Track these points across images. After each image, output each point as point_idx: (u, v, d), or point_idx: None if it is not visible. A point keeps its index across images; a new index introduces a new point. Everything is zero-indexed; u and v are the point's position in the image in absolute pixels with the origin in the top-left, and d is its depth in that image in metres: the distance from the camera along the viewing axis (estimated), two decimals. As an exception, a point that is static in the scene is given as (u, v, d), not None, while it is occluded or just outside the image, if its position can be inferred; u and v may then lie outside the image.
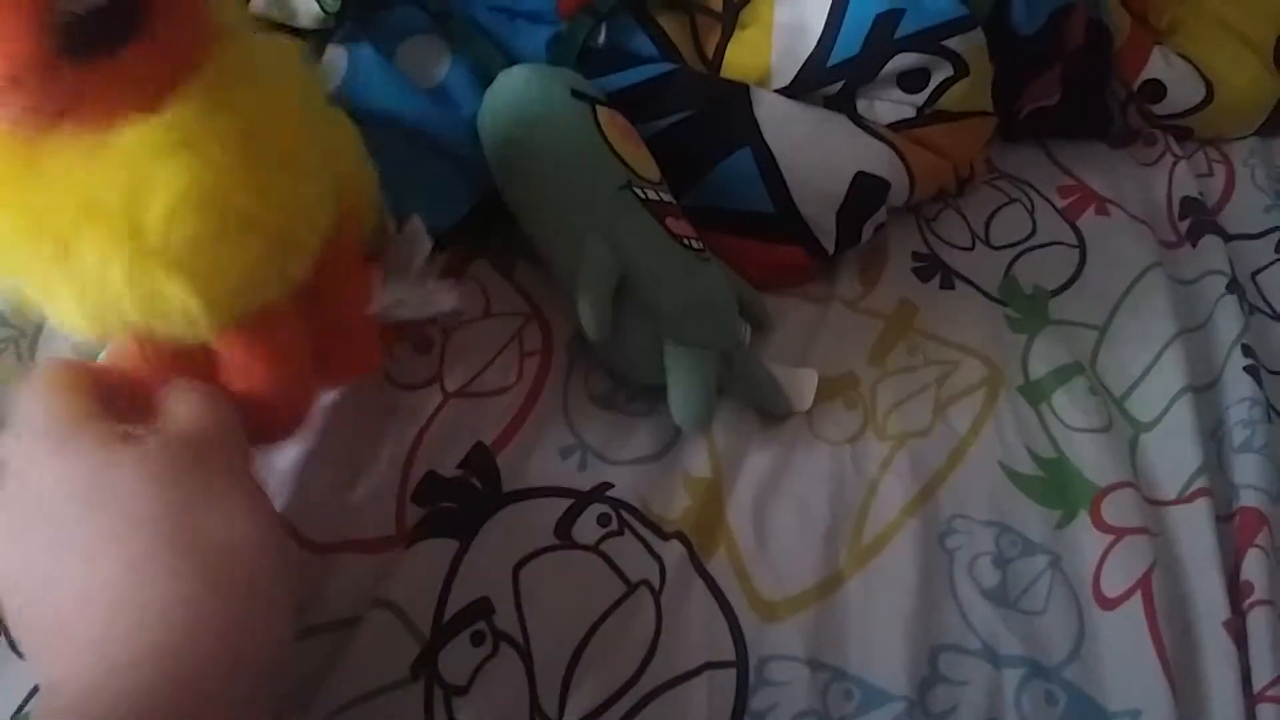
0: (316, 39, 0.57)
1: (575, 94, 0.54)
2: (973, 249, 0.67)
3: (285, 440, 0.44)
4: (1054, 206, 0.71)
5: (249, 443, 0.39)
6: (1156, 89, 0.75)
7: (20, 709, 0.41)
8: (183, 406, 0.37)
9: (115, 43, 0.30)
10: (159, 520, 0.33)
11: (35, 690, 0.42)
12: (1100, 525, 0.53)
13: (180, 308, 0.34)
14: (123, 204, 0.31)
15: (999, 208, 0.70)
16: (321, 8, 0.54)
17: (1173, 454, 0.57)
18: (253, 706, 0.34)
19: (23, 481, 0.35)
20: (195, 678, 0.32)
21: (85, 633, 0.32)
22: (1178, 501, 0.56)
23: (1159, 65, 0.75)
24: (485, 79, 0.55)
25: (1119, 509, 0.54)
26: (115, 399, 0.36)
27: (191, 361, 0.38)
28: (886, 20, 0.59)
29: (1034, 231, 0.69)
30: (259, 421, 0.40)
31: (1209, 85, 0.75)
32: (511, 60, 0.59)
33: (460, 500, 0.48)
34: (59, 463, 0.34)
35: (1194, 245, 0.70)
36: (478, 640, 0.45)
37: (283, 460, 0.48)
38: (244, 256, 0.34)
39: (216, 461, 0.36)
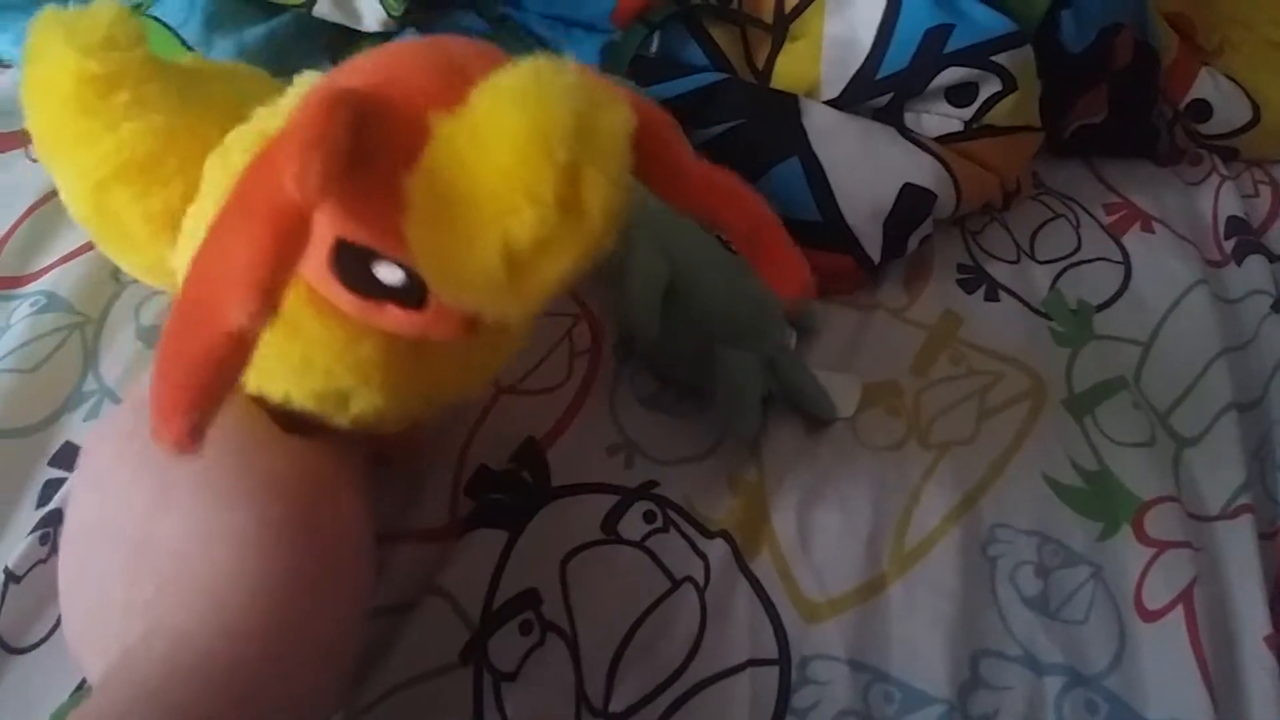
0: (379, 42, 0.58)
1: (628, 100, 0.55)
2: (1018, 262, 0.68)
3: None
4: (1099, 223, 0.71)
5: None
6: (1203, 109, 0.75)
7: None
8: None
9: (402, 304, 0.33)
10: (300, 498, 0.35)
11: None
12: (1143, 538, 0.54)
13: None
14: None
15: (1044, 222, 0.71)
16: (386, 12, 0.56)
17: (1216, 470, 0.57)
18: (326, 693, 0.35)
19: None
20: (289, 669, 0.33)
21: (204, 576, 0.32)
22: (1221, 517, 0.56)
23: (1206, 86, 0.75)
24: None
25: (1162, 523, 0.54)
26: None
27: None
28: (936, 35, 0.60)
29: (1079, 247, 0.69)
30: None
31: (1256, 107, 0.75)
32: (565, 66, 0.60)
33: (510, 493, 0.49)
34: None
35: (1239, 264, 0.70)
36: (526, 629, 0.46)
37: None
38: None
39: (355, 456, 0.38)
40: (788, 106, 0.60)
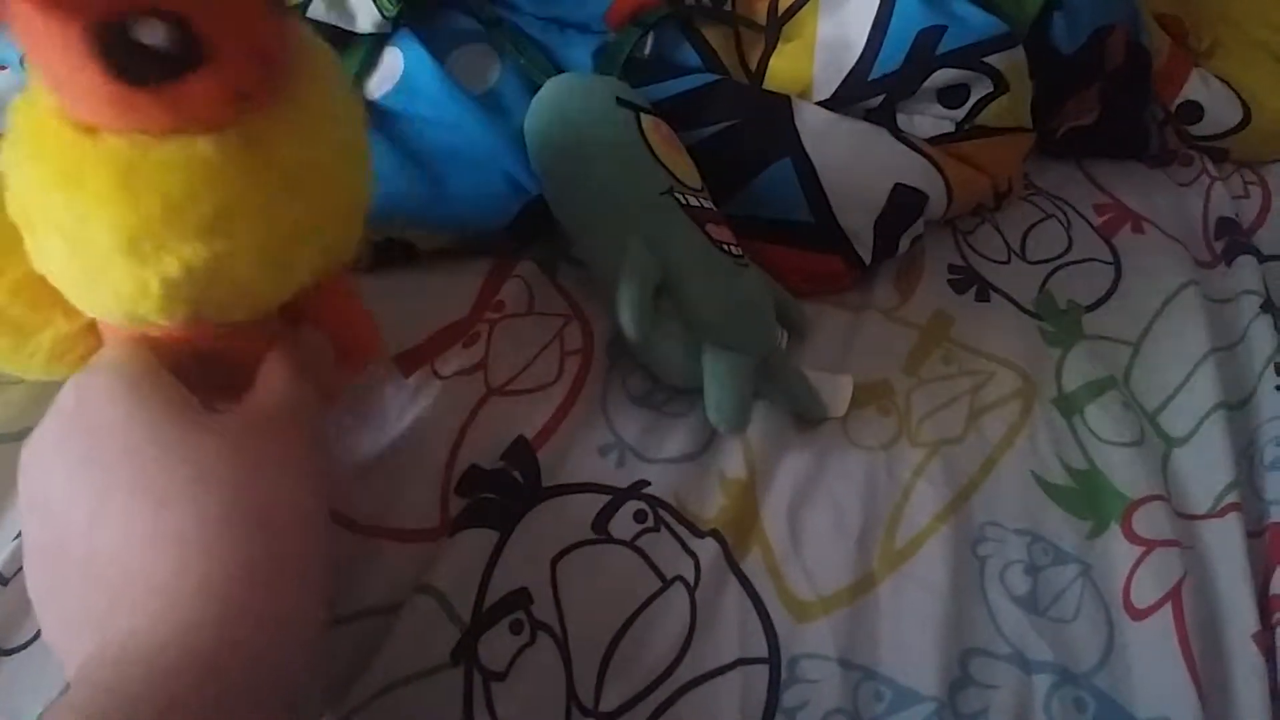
0: (373, 42, 0.58)
1: (620, 102, 0.55)
2: (1008, 263, 0.68)
3: None
4: (1090, 223, 0.72)
5: None
6: (1194, 110, 0.76)
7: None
8: (275, 378, 0.38)
9: (176, 73, 0.32)
10: (238, 485, 0.34)
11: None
12: (1131, 537, 0.54)
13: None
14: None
15: (1035, 223, 0.71)
16: (380, 13, 0.56)
17: (1204, 469, 0.58)
18: (297, 670, 0.34)
19: (93, 412, 0.35)
20: (250, 651, 0.32)
21: (151, 578, 0.33)
22: (1209, 516, 0.56)
23: (1197, 87, 0.75)
24: (534, 87, 0.57)
25: (1150, 521, 0.54)
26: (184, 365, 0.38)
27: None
28: (928, 36, 0.60)
29: (1070, 247, 0.70)
30: None
31: (1246, 108, 0.76)
32: (560, 69, 0.60)
33: (501, 492, 0.50)
34: (139, 405, 0.35)
35: (1229, 265, 0.71)
36: (516, 629, 0.46)
37: (339, 448, 0.50)
38: (240, 271, 0.36)
39: (295, 435, 0.37)
40: (780, 107, 0.61)
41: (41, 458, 0.36)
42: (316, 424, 0.40)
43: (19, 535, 0.45)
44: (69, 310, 0.39)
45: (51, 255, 0.36)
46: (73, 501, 0.34)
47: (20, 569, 0.44)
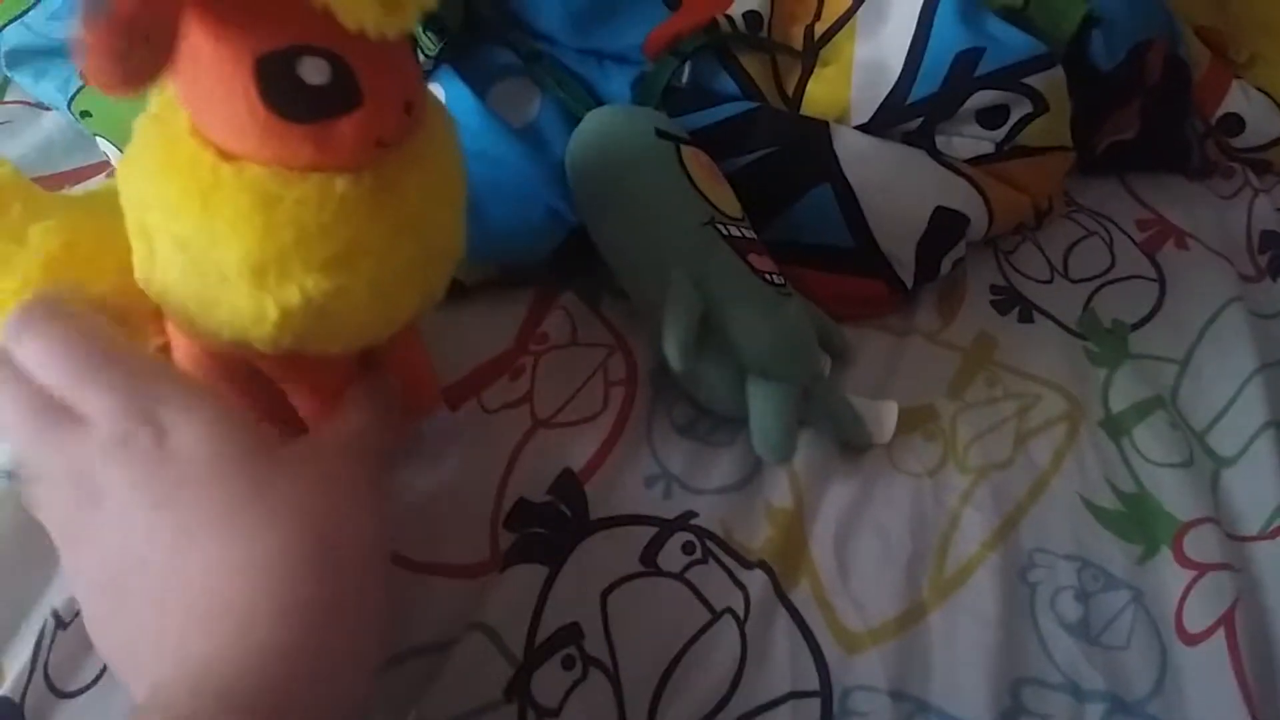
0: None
1: (660, 133, 0.55)
2: (1051, 282, 0.68)
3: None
4: (1132, 240, 0.71)
5: None
6: (1235, 123, 0.75)
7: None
8: (354, 416, 0.40)
9: (331, 113, 0.34)
10: (316, 519, 0.36)
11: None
12: (1182, 560, 0.53)
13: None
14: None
15: (1077, 241, 0.71)
16: (420, 49, 0.56)
17: (1255, 490, 0.57)
18: (357, 699, 0.36)
19: (180, 451, 0.36)
20: (315, 683, 0.34)
21: (231, 603, 0.34)
22: (1260, 537, 0.55)
23: (1237, 99, 0.75)
24: (574, 119, 0.57)
25: (1201, 544, 0.54)
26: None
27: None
28: (966, 58, 0.60)
29: (1113, 265, 0.69)
30: None
31: (1288, 119, 0.75)
32: (599, 101, 0.60)
33: (550, 526, 0.50)
34: (224, 443, 0.36)
35: (1274, 279, 0.70)
36: (568, 664, 0.46)
37: (389, 484, 0.50)
38: (353, 306, 0.38)
39: (364, 473, 0.39)
40: (819, 133, 0.61)
41: (122, 486, 0.36)
42: (383, 464, 0.42)
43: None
44: (144, 331, 0.41)
45: (169, 269, 0.37)
46: (155, 529, 0.35)
47: (79, 612, 0.45)
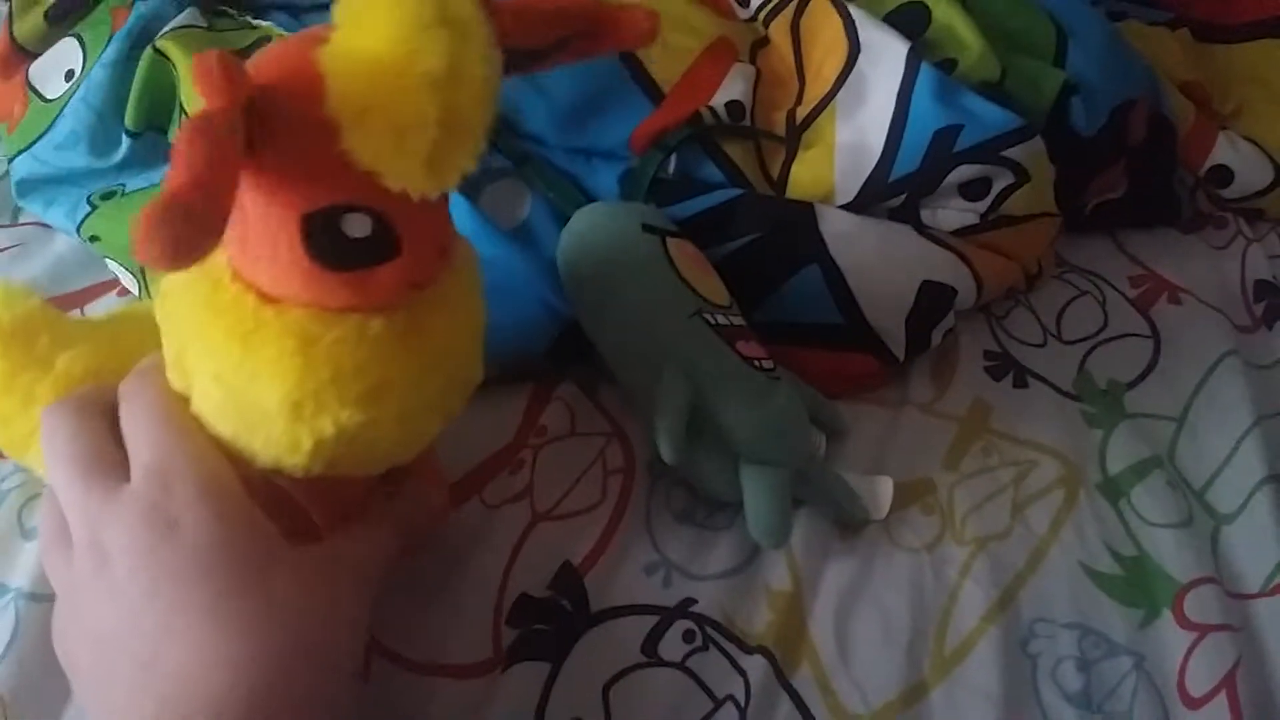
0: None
1: (646, 227, 0.57)
2: (1045, 345, 0.68)
3: None
4: (1125, 297, 0.72)
5: None
6: (1224, 174, 0.76)
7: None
8: (371, 529, 0.43)
9: (372, 263, 0.36)
10: (301, 624, 0.38)
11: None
12: (1183, 622, 0.54)
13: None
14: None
15: (1070, 301, 0.71)
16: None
17: (1255, 546, 0.58)
18: None
19: (191, 532, 0.37)
20: None
21: (207, 695, 0.36)
22: (1261, 595, 0.56)
23: (1225, 150, 0.75)
24: (564, 217, 0.59)
25: (1201, 605, 0.54)
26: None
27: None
28: (945, 135, 0.61)
29: (1106, 324, 0.70)
30: None
31: (1276, 167, 0.75)
32: (588, 196, 0.62)
33: (551, 622, 0.51)
34: (231, 535, 0.38)
35: (1269, 329, 0.70)
36: (573, 760, 0.47)
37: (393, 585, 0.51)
38: (382, 435, 0.40)
39: (361, 588, 0.41)
40: (805, 215, 0.62)
41: (131, 554, 0.38)
42: (381, 577, 0.43)
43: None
44: None
45: (205, 401, 0.40)
46: (147, 606, 0.37)
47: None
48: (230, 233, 0.36)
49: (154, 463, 0.39)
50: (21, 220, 0.71)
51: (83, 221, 0.65)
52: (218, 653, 0.36)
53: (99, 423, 0.41)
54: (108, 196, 0.66)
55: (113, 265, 0.64)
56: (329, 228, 0.35)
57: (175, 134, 0.33)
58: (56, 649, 0.42)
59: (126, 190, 0.66)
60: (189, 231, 0.29)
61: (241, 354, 0.37)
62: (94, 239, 0.64)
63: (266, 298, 0.37)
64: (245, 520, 0.39)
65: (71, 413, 0.41)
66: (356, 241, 0.35)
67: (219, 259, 0.38)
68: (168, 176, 0.30)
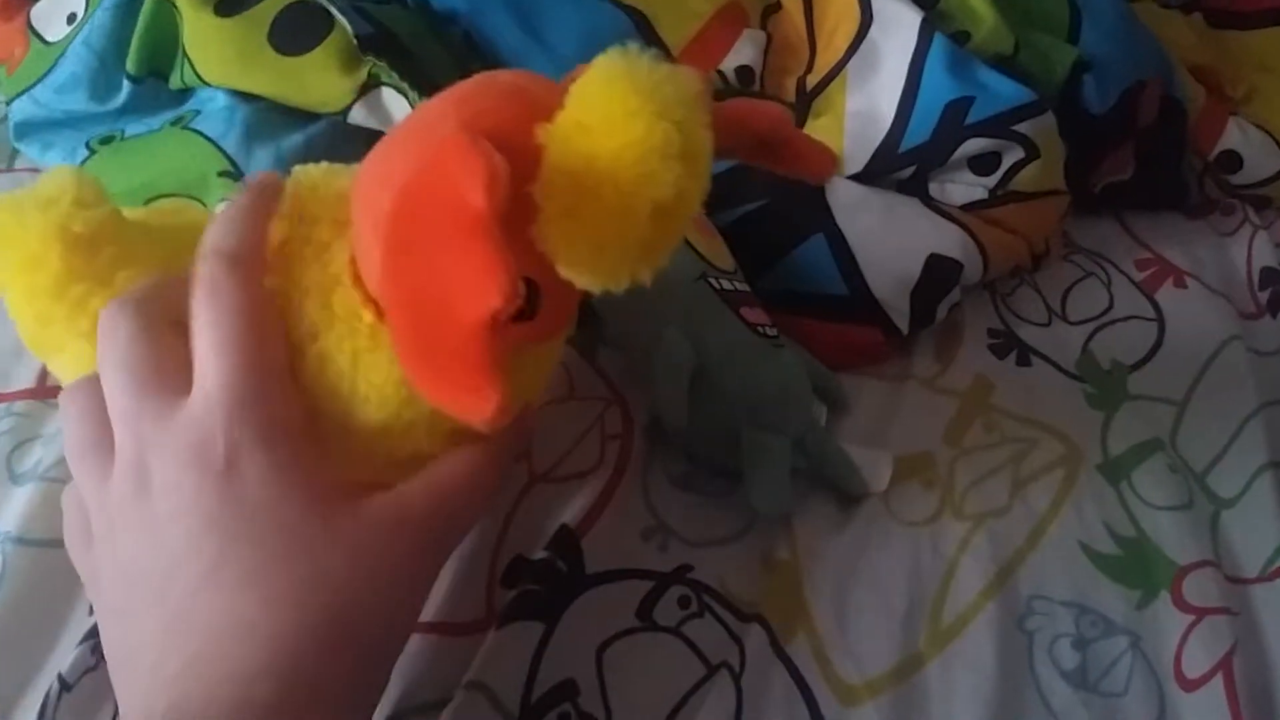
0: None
1: (653, 188, 0.56)
2: (1049, 325, 0.68)
3: None
4: (1131, 280, 0.71)
5: None
6: (1233, 160, 0.75)
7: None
8: (457, 469, 0.40)
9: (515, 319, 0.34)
10: (346, 598, 0.36)
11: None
12: (1181, 605, 0.53)
13: None
14: None
15: (1075, 282, 0.71)
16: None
17: (1255, 531, 0.57)
18: None
19: (245, 482, 0.35)
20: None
21: (230, 662, 0.34)
22: (1259, 580, 0.55)
23: (1235, 136, 0.75)
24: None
25: (1200, 588, 0.54)
26: None
27: None
28: (956, 107, 0.60)
29: (1111, 306, 0.69)
30: None
31: (1287, 155, 0.75)
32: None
33: (546, 583, 0.50)
34: (288, 491, 0.35)
35: (1274, 316, 0.70)
36: (564, 721, 0.47)
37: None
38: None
39: (423, 545, 0.39)
40: (812, 184, 0.61)
41: (177, 491, 0.36)
42: (454, 538, 0.42)
43: (85, 639, 0.47)
44: None
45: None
46: (189, 556, 0.35)
47: (84, 675, 0.46)
48: (356, 231, 0.35)
49: (219, 389, 0.35)
50: (17, 165, 0.70)
51: (80, 166, 0.64)
52: (255, 624, 0.34)
53: (164, 327, 0.37)
54: (106, 141, 0.65)
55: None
56: None
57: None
58: (75, 559, 0.39)
59: (125, 135, 0.65)
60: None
61: (349, 371, 0.37)
62: (92, 184, 0.63)
63: (380, 313, 0.36)
64: (306, 475, 0.36)
65: (135, 311, 0.37)
66: None
67: (341, 257, 0.37)
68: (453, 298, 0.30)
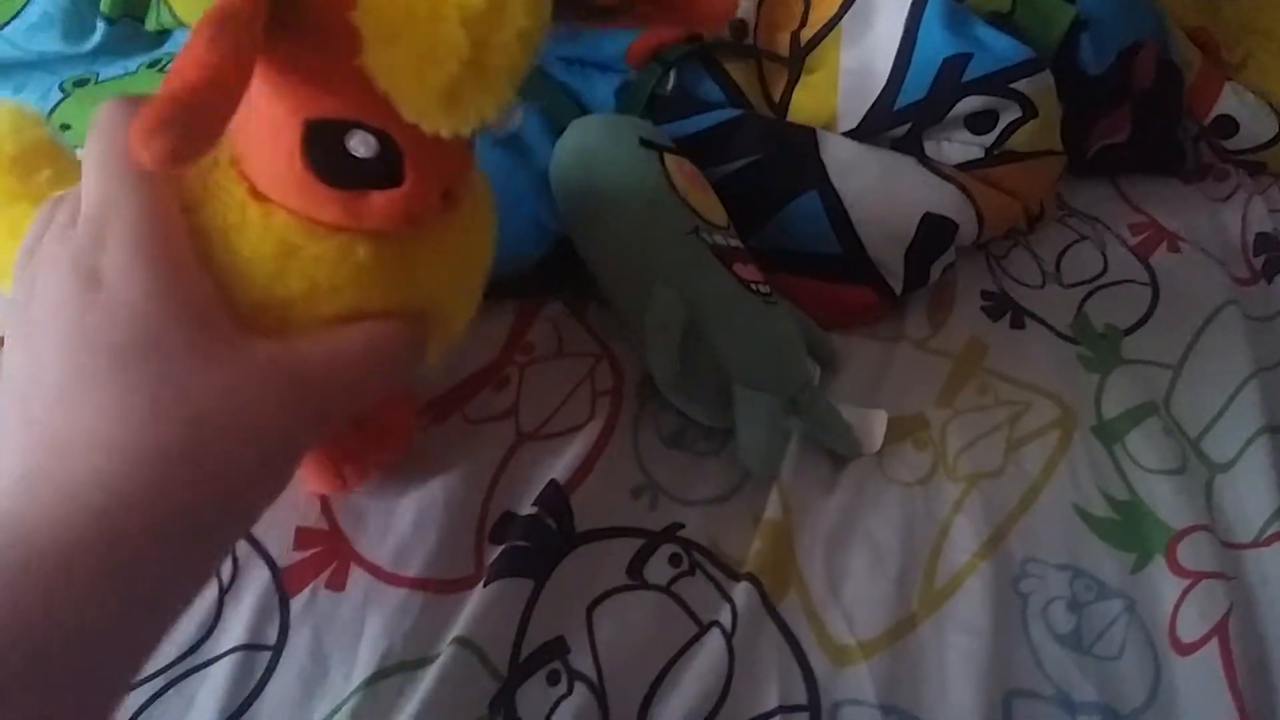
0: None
1: (643, 142, 0.55)
2: (1043, 287, 0.67)
3: None
4: (1125, 244, 0.71)
5: None
6: (1228, 125, 0.75)
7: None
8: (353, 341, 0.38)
9: (369, 186, 0.35)
10: (207, 429, 0.33)
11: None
12: (1176, 569, 0.53)
13: None
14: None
15: (1069, 245, 0.70)
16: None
17: (1249, 496, 0.57)
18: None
19: (117, 288, 0.34)
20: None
21: (100, 474, 0.32)
22: (1254, 545, 0.55)
23: (1230, 101, 0.74)
24: (558, 128, 0.57)
25: (1195, 552, 0.53)
26: None
27: None
28: (953, 64, 0.59)
29: (1105, 269, 0.69)
30: None
31: (1282, 121, 0.74)
32: (583, 109, 0.60)
33: (535, 539, 0.49)
34: (164, 306, 0.33)
35: (1269, 282, 0.69)
36: (553, 679, 0.46)
37: (374, 497, 0.50)
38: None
39: (312, 399, 0.36)
40: (805, 140, 0.60)
41: (47, 302, 0.34)
42: (347, 411, 0.40)
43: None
44: None
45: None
46: (50, 363, 0.33)
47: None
48: (237, 122, 0.33)
49: (93, 208, 0.35)
50: (-13, 107, 0.68)
51: (54, 108, 0.62)
52: (98, 435, 0.32)
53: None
54: (81, 83, 0.63)
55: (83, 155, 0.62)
56: (332, 141, 0.33)
57: (192, 25, 0.30)
58: None
59: (100, 78, 0.63)
60: (191, 135, 0.28)
61: (221, 245, 0.35)
62: (65, 127, 0.61)
63: (257, 194, 0.35)
64: (187, 299, 0.34)
65: (108, 111, 0.37)
66: (358, 161, 0.33)
67: (225, 142, 0.36)
68: (176, 70, 0.28)
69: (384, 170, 0.34)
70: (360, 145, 0.33)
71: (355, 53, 0.30)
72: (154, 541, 0.32)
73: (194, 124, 0.28)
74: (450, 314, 0.42)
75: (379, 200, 0.35)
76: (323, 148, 0.33)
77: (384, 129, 0.33)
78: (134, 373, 0.33)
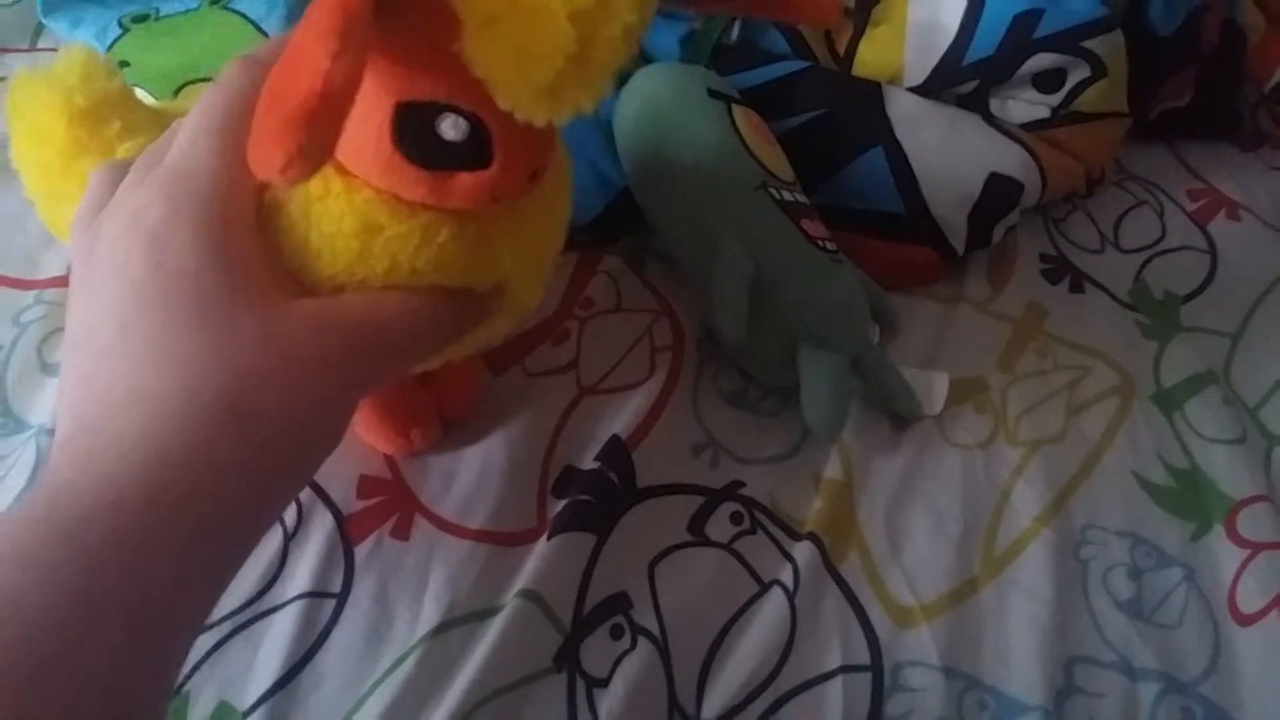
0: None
1: (711, 93, 0.54)
2: (1102, 252, 0.66)
3: None
4: (1183, 210, 0.70)
5: None
6: (1290, 92, 0.73)
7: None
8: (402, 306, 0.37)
9: (457, 168, 0.34)
10: (244, 385, 0.33)
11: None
12: (1235, 539, 0.52)
13: None
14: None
15: (1128, 210, 0.69)
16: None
17: (1310, 468, 0.56)
18: None
19: (169, 254, 0.33)
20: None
21: (138, 429, 0.32)
22: (1315, 517, 0.54)
23: (1292, 67, 0.73)
24: (620, 77, 0.55)
25: (1255, 523, 0.53)
26: None
27: None
28: (1025, 20, 0.58)
29: (1164, 235, 0.68)
30: None
31: (1345, 89, 0.73)
32: (646, 58, 0.59)
33: (597, 494, 0.49)
34: (212, 264, 0.33)
35: (1327, 253, 0.68)
36: (617, 634, 0.46)
37: (436, 448, 0.50)
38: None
39: (361, 354, 0.36)
40: (871, 94, 0.59)
41: (107, 255, 0.34)
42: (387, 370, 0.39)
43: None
44: None
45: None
46: (106, 317, 0.33)
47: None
48: None
49: (172, 161, 0.35)
50: (40, 45, 0.67)
51: (112, 45, 0.61)
52: (144, 391, 0.32)
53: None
54: (140, 19, 0.62)
55: (142, 94, 0.61)
56: (422, 123, 0.33)
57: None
58: None
59: (161, 14, 0.62)
60: (312, 155, 0.28)
61: (301, 219, 0.35)
62: (124, 64, 0.60)
63: (342, 169, 0.35)
64: (238, 257, 0.34)
65: (235, 71, 0.36)
66: (447, 144, 0.33)
67: None
68: (289, 73, 0.28)
69: (472, 152, 0.34)
70: (451, 129, 0.33)
71: (454, 38, 0.29)
72: (201, 496, 0.32)
73: (315, 140, 0.28)
74: (524, 286, 0.41)
75: (466, 181, 0.34)
76: (413, 129, 0.33)
77: (475, 112, 0.33)
78: (180, 325, 0.33)
